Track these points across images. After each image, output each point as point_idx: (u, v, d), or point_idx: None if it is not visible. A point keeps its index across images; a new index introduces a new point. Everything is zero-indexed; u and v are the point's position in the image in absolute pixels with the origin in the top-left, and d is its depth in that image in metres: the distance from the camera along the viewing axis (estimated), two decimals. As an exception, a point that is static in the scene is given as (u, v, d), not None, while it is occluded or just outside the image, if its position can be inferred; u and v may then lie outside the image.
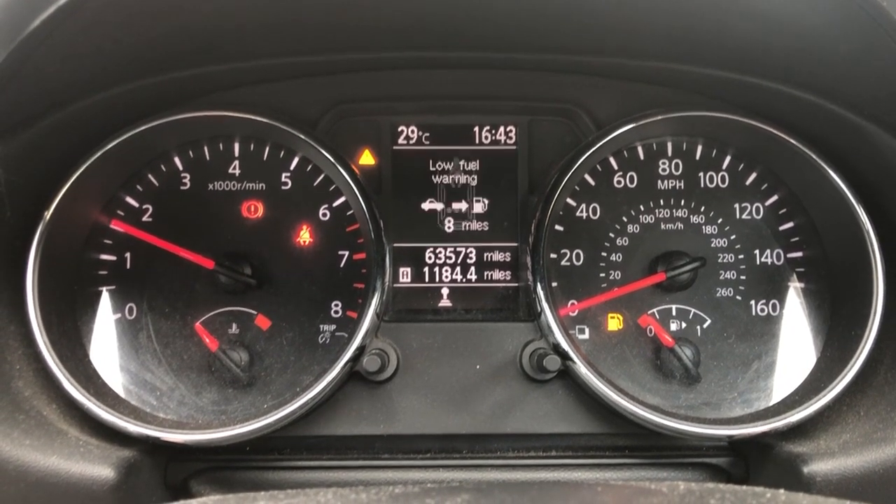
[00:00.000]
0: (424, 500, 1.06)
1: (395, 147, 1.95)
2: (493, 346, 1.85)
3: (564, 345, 1.77)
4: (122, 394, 1.80)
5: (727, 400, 1.85)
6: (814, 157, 1.83)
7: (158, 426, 1.68)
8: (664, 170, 1.96)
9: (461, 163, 1.96)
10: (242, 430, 1.68)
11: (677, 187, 1.95)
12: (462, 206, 1.95)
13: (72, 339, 1.80)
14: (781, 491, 1.09)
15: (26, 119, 1.57)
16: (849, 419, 1.71)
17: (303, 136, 1.85)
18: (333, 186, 1.91)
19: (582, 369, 1.76)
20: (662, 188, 1.95)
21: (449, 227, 1.95)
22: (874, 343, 1.72)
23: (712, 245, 1.93)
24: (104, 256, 1.87)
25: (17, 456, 1.49)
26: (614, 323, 1.92)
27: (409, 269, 1.93)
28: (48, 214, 1.73)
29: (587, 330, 1.91)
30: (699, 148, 1.96)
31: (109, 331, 1.85)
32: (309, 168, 1.92)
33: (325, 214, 1.92)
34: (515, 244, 1.94)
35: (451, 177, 1.96)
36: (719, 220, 1.94)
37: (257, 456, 1.81)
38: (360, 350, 1.77)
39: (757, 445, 1.77)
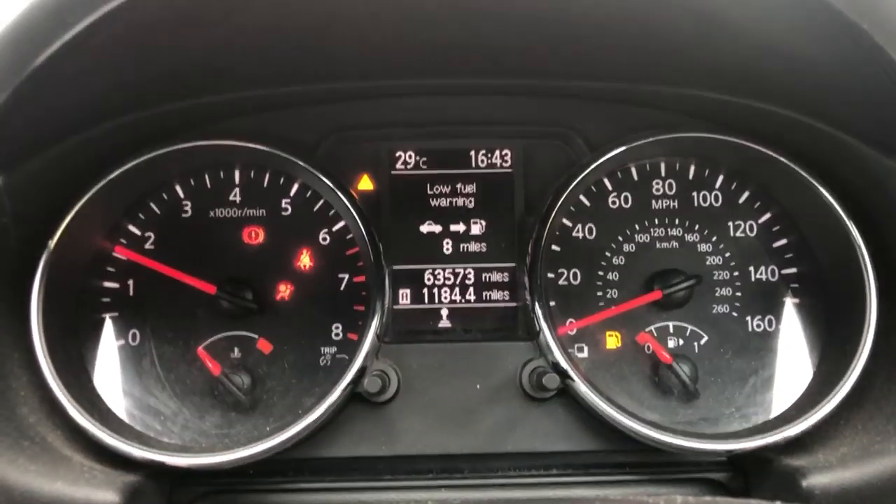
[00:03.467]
0: None
1: (393, 172, 1.98)
2: (493, 366, 1.86)
3: (563, 363, 1.79)
4: (126, 419, 1.81)
5: (725, 415, 1.86)
6: (804, 174, 1.86)
7: (162, 450, 1.69)
8: (658, 190, 1.99)
9: (458, 186, 1.99)
10: (245, 453, 1.69)
11: (671, 207, 1.98)
12: (460, 228, 1.98)
13: (76, 365, 1.81)
14: (777, 503, 1.11)
15: (31, 150, 1.60)
16: (846, 432, 1.71)
17: (302, 163, 1.88)
18: (333, 211, 1.94)
19: (581, 387, 1.77)
20: (657, 208, 1.98)
21: (447, 249, 1.97)
22: (869, 356, 1.74)
23: (707, 263, 1.96)
24: (107, 284, 1.90)
25: (22, 482, 1.50)
26: (612, 341, 1.93)
27: (408, 291, 1.95)
28: (52, 243, 1.75)
29: (586, 348, 1.93)
30: (692, 168, 1.99)
31: (113, 357, 1.87)
32: (308, 194, 1.95)
33: (324, 239, 1.94)
34: (513, 265, 1.96)
35: (448, 200, 1.99)
36: (714, 239, 1.96)
37: (261, 479, 1.82)
38: (361, 371, 1.79)
39: (756, 460, 1.78)
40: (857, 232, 1.81)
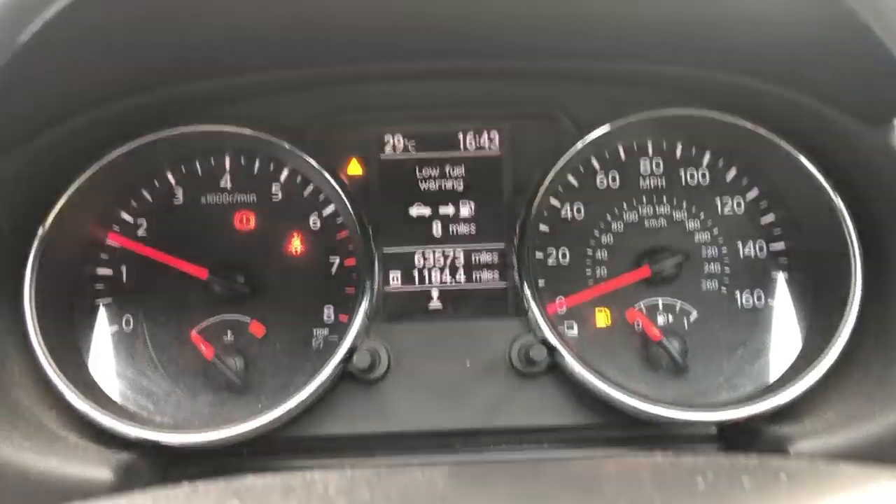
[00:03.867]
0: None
1: (381, 156, 2.00)
2: (483, 343, 1.88)
3: (552, 339, 1.81)
4: (119, 400, 1.83)
5: (714, 387, 1.87)
6: (790, 150, 1.87)
7: (156, 428, 1.72)
8: (645, 168, 2.00)
9: (447, 169, 2.00)
10: (238, 430, 1.71)
11: (659, 185, 1.99)
12: (449, 210, 1.99)
13: (70, 349, 1.84)
14: (753, 455, 1.12)
15: (21, 136, 1.62)
16: (833, 400, 1.72)
17: (291, 148, 1.90)
18: (323, 196, 1.96)
19: (570, 361, 1.79)
20: (644, 186, 1.99)
21: (437, 232, 1.99)
22: (855, 324, 1.75)
23: (696, 239, 1.97)
24: (101, 270, 1.92)
25: (16, 459, 1.51)
26: (602, 318, 1.95)
27: (398, 273, 1.96)
28: (43, 231, 1.78)
29: (576, 325, 1.94)
30: (679, 146, 2.00)
31: (107, 342, 1.89)
32: (298, 179, 1.97)
33: (315, 223, 1.96)
34: (502, 245, 1.98)
35: (437, 182, 2.00)
36: (702, 216, 1.98)
37: (255, 458, 1.83)
38: (352, 351, 1.81)
39: (745, 431, 1.78)
40: (842, 205, 1.82)
